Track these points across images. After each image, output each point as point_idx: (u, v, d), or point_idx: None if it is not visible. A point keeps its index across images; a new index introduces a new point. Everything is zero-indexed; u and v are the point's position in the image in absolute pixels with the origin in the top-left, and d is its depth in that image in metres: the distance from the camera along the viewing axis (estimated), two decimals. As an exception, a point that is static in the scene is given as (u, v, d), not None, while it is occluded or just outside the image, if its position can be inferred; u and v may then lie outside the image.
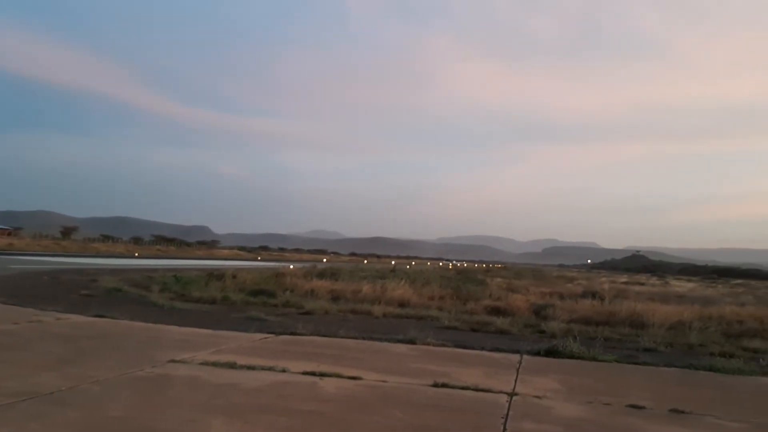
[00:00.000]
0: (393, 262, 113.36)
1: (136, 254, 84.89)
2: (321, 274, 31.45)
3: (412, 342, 11.97)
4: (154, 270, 34.63)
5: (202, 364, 8.83)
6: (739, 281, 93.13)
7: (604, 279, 67.64)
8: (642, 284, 55.83)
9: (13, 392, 6.56)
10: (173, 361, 8.95)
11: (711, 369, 10.43)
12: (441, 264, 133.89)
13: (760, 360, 11.44)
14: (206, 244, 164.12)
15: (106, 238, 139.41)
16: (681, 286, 56.95)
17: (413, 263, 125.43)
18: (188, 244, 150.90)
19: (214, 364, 8.77)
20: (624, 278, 79.29)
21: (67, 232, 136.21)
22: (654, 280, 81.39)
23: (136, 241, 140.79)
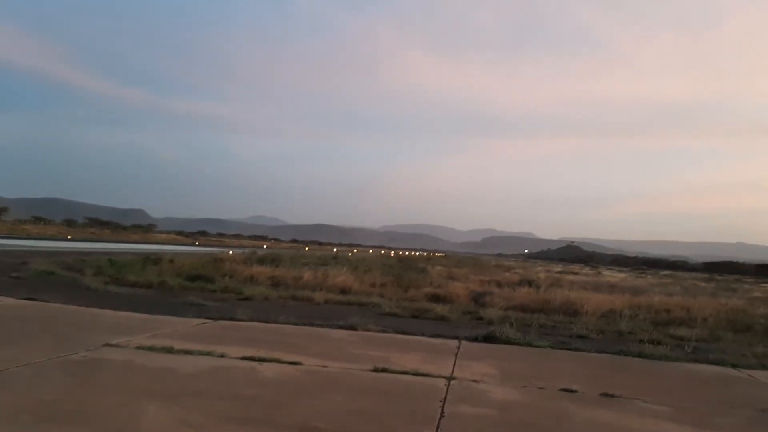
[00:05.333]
0: (335, 250, 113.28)
1: (69, 237, 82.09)
2: (261, 260, 31.11)
3: (352, 328, 12.01)
4: (88, 253, 33.56)
5: (137, 348, 8.63)
6: (667, 272, 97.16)
7: (540, 268, 69.36)
8: (575, 274, 57.45)
9: (-65, 377, 6.27)
10: (108, 345, 8.71)
11: (640, 355, 10.91)
12: (383, 252, 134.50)
13: (686, 347, 12.03)
14: (142, 228, 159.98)
15: (37, 219, 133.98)
16: (612, 276, 58.89)
17: (355, 251, 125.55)
18: (124, 228, 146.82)
19: (151, 349, 8.58)
20: (559, 268, 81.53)
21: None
22: (587, 270, 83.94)
23: (69, 223, 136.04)
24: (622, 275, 63.95)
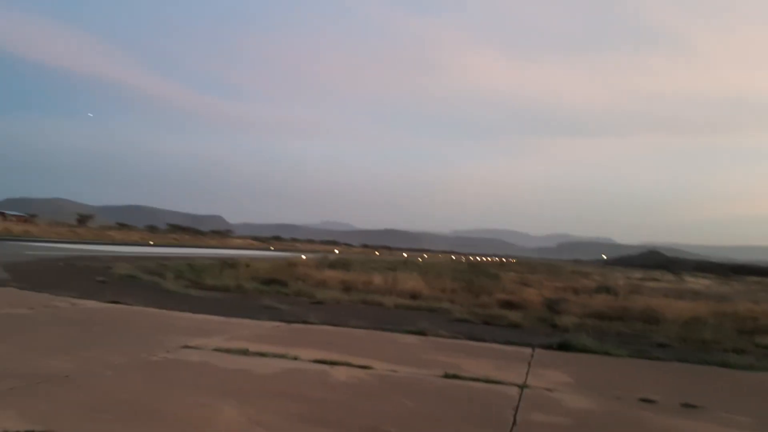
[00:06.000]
0: (405, 255, 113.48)
1: (151, 242, 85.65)
2: (332, 265, 31.53)
3: (422, 333, 11.97)
4: (169, 258, 34.86)
5: (214, 350, 8.88)
6: (755, 279, 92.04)
7: (619, 275, 67.25)
8: (657, 280, 55.40)
9: (26, 374, 6.64)
10: (186, 346, 9.02)
11: (723, 364, 10.36)
12: (454, 257, 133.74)
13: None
14: (220, 233, 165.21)
15: (122, 226, 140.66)
16: (696, 283, 56.42)
17: (425, 256, 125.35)
18: (202, 233, 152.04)
19: (227, 351, 8.82)
20: (639, 274, 78.68)
21: (82, 219, 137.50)
22: (669, 276, 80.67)
23: (151, 229, 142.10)
24: (706, 282, 61.15)
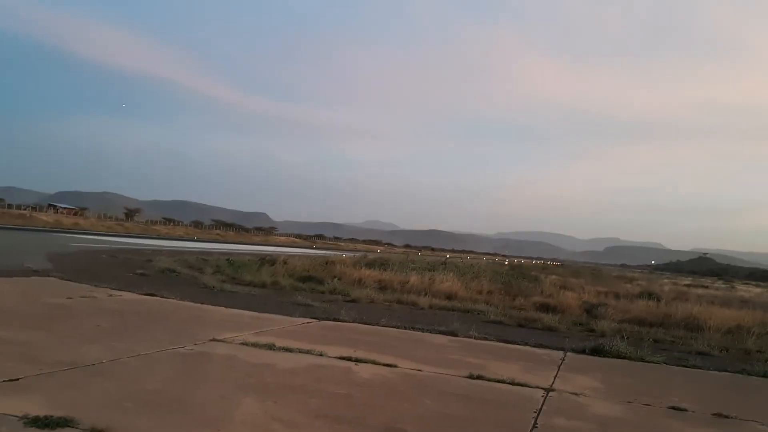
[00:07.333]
0: (447, 256, 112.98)
1: (195, 237, 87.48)
2: (370, 264, 31.55)
3: (453, 334, 11.87)
4: (210, 253, 35.49)
5: (242, 344, 8.98)
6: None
7: (666, 281, 65.59)
8: (705, 287, 53.90)
9: (56, 362, 6.81)
10: (215, 339, 9.14)
11: (765, 375, 9.97)
12: (497, 259, 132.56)
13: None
14: (264, 230, 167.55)
15: (167, 221, 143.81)
16: (747, 290, 54.59)
17: (468, 257, 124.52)
18: (246, 230, 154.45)
19: (254, 345, 8.91)
20: (687, 281, 76.66)
21: (130, 213, 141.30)
22: (719, 283, 78.34)
23: (197, 224, 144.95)
24: (758, 290, 59.12)
